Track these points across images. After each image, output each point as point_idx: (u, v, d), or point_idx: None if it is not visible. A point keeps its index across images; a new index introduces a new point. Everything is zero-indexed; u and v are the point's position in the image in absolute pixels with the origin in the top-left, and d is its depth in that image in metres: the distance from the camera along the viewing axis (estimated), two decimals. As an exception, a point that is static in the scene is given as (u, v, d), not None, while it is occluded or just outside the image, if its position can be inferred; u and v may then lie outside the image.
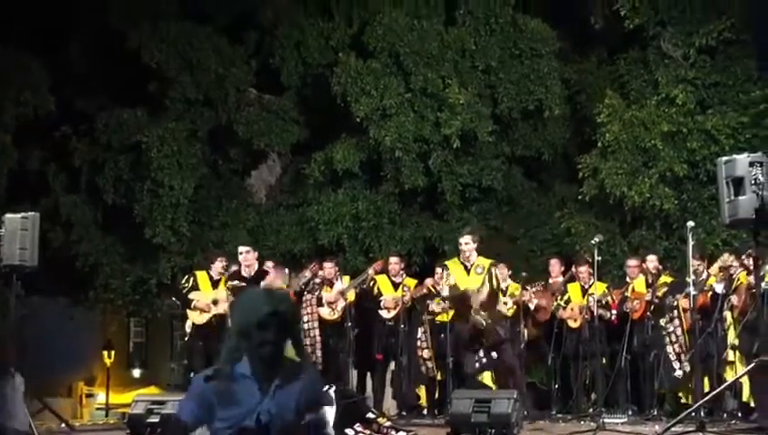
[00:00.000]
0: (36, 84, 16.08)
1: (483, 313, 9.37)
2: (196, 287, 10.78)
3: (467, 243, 9.65)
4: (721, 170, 7.60)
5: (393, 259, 11.74)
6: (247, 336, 3.45)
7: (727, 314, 9.86)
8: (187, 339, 11.10)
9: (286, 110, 17.23)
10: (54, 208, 16.45)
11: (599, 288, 10.56)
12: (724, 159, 7.76)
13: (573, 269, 11.56)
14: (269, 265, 11.46)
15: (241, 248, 11.09)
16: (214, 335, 10.23)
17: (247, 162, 17.94)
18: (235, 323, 3.56)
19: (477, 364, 9.61)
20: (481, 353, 9.58)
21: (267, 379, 3.49)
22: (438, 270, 10.99)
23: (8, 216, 9.38)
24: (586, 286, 11.12)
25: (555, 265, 12.06)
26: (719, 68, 15.49)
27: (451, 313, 9.93)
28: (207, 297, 10.63)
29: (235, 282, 10.50)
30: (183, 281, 11.11)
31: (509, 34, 16.66)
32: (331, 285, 11.22)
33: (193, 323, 10.79)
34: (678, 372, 10.20)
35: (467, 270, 9.62)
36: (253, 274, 10.66)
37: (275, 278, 10.93)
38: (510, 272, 11.87)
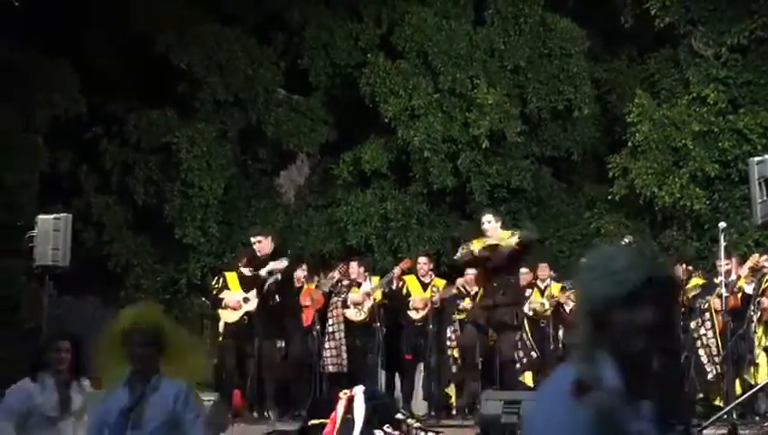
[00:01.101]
0: (67, 86, 16.21)
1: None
2: (226, 287, 10.81)
3: (489, 221, 9.58)
4: (753, 171, 7.56)
5: (422, 259, 11.73)
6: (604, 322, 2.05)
7: (757, 317, 9.77)
8: (220, 339, 11.11)
9: (315, 110, 17.26)
10: (86, 209, 16.58)
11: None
12: (757, 159, 7.72)
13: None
14: (303, 268, 11.51)
15: (253, 238, 10.85)
16: (245, 334, 10.28)
17: (276, 162, 17.98)
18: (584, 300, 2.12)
19: (518, 365, 9.58)
20: (521, 354, 9.55)
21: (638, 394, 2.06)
22: (469, 271, 10.97)
23: (41, 217, 9.52)
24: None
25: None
26: (751, 67, 15.35)
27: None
28: (237, 295, 10.65)
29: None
30: (213, 282, 11.15)
31: (538, 34, 16.60)
32: (359, 286, 11.24)
33: (225, 323, 10.82)
34: (711, 375, 10.12)
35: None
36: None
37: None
38: (548, 269, 11.90)
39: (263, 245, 10.32)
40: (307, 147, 17.34)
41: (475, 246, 9.48)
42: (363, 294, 11.11)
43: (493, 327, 9.49)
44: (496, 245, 9.32)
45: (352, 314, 11.12)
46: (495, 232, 9.55)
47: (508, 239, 9.34)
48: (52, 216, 9.49)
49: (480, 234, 9.65)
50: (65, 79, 16.30)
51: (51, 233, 9.25)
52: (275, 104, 17.11)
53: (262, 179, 17.81)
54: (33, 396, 5.62)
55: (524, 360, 10.23)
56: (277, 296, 9.94)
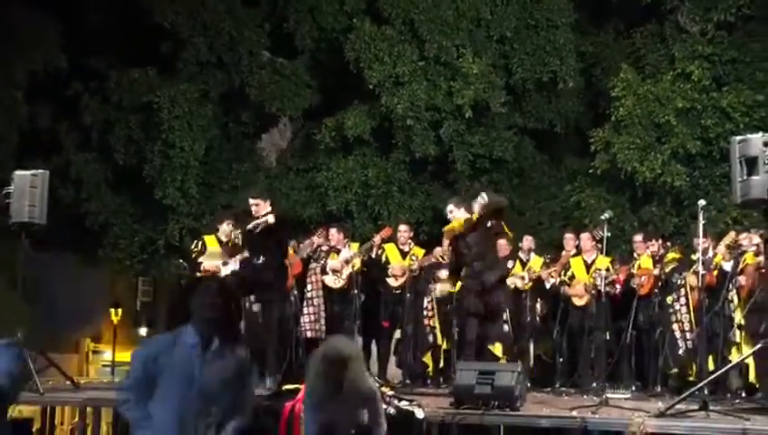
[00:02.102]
0: (48, 41, 16.02)
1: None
2: (205, 251, 10.78)
3: (451, 211, 9.59)
4: (735, 149, 7.55)
5: (402, 227, 11.72)
6: None
7: (734, 294, 9.83)
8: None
9: (299, 74, 17.14)
10: (65, 166, 16.47)
11: (602, 262, 10.51)
12: (738, 138, 7.71)
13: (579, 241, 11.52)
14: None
15: (251, 200, 10.68)
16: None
17: (258, 126, 17.89)
18: None
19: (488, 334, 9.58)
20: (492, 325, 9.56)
21: None
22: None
23: (18, 173, 9.41)
24: (588, 260, 11.08)
25: (570, 240, 11.93)
26: (736, 44, 15.35)
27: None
28: (216, 259, 10.61)
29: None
30: (192, 246, 11.09)
31: (525, 4, 16.53)
32: (338, 252, 11.21)
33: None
34: (682, 350, 10.20)
35: None
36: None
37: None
38: (531, 241, 11.94)
39: (260, 208, 10.09)
40: (290, 111, 17.22)
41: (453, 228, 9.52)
42: (342, 260, 11.08)
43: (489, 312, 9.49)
44: (471, 221, 9.33)
45: (331, 280, 11.10)
46: (463, 215, 9.56)
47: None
48: (29, 172, 9.36)
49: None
50: (46, 34, 16.11)
51: (27, 189, 9.14)
52: (259, 67, 16.98)
53: (243, 142, 17.71)
54: None
55: (495, 330, 10.25)
56: (261, 257, 9.80)
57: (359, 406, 5.56)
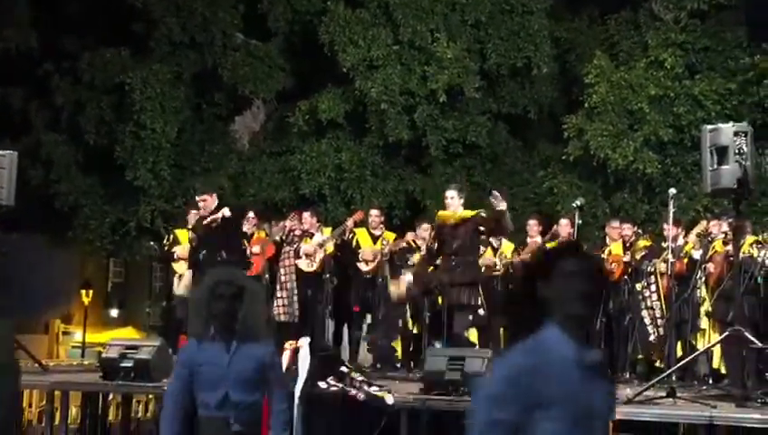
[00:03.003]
0: (18, 20, 15.82)
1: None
2: (177, 243, 10.78)
3: (453, 197, 9.60)
4: (705, 139, 7.59)
5: (373, 212, 11.69)
6: None
7: (702, 282, 9.90)
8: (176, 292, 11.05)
9: (272, 56, 17.05)
10: (35, 147, 16.30)
11: (578, 250, 10.53)
12: (709, 127, 7.75)
13: (555, 227, 11.54)
14: (250, 215, 11.41)
15: (198, 198, 10.39)
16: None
17: (231, 108, 17.79)
18: None
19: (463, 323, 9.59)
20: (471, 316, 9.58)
21: None
22: (425, 225, 11.00)
23: (-14, 153, 9.30)
24: (564, 247, 11.11)
25: (534, 226, 11.99)
26: (709, 33, 15.43)
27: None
28: (187, 247, 10.60)
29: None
30: (164, 241, 11.12)
31: (500, -11, 16.51)
32: (311, 236, 11.18)
33: (178, 275, 10.80)
34: (653, 337, 10.27)
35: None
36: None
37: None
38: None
39: (207, 203, 10.06)
40: (263, 93, 17.14)
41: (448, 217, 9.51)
42: (315, 244, 11.05)
43: (450, 305, 9.49)
44: (467, 218, 9.33)
45: (304, 264, 11.07)
46: (458, 209, 9.56)
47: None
48: (-3, 152, 9.27)
49: (435, 192, 9.65)
50: (18, 13, 15.90)
51: (-5, 170, 9.05)
52: (232, 48, 16.86)
53: (216, 124, 17.59)
54: None
55: (470, 317, 10.26)
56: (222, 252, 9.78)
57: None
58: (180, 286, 10.72)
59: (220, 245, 9.56)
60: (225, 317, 4.43)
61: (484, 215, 9.30)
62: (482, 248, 11.11)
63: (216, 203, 9.89)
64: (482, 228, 9.41)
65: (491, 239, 11.54)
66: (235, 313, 4.41)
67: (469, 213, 9.40)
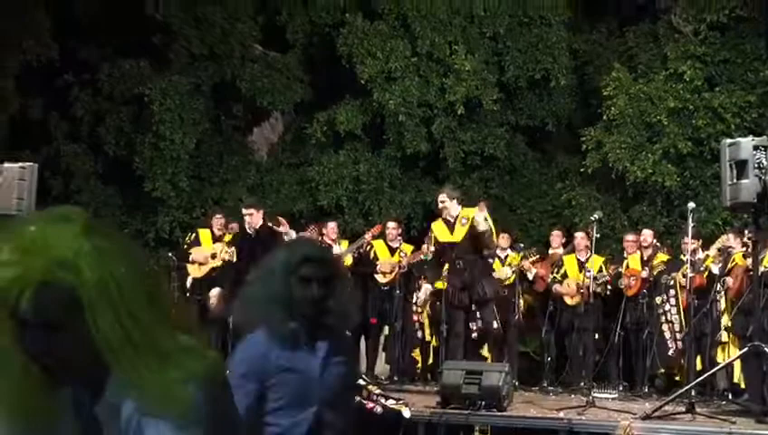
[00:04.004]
0: (39, 31, 15.94)
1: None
2: (197, 243, 10.78)
3: (443, 200, 9.67)
4: (724, 153, 7.55)
5: (390, 224, 11.71)
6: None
7: (722, 295, 9.84)
8: (187, 295, 11.07)
9: (291, 68, 17.10)
10: (55, 157, 16.41)
11: (595, 263, 10.52)
12: (728, 141, 7.71)
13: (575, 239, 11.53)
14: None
15: (244, 210, 10.42)
16: (210, 290, 10.25)
17: (250, 119, 17.84)
18: None
19: (475, 334, 9.59)
20: (480, 324, 9.56)
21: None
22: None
23: (6, 165, 9.35)
24: (582, 259, 11.10)
25: (556, 238, 12.02)
26: (729, 45, 15.34)
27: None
28: (206, 251, 10.61)
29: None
30: (186, 237, 11.11)
31: (518, 1, 16.48)
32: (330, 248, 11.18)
33: (193, 279, 10.81)
34: (672, 351, 10.22)
35: (451, 225, 9.63)
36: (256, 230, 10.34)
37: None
38: (510, 242, 11.91)
39: (253, 217, 9.94)
40: (281, 105, 17.17)
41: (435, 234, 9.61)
42: (334, 256, 11.05)
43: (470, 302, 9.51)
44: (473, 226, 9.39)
45: (323, 276, 11.06)
46: (453, 208, 9.60)
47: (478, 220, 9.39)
48: (17, 164, 9.31)
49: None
50: (38, 24, 16.02)
51: (16, 182, 9.08)
52: (251, 60, 16.92)
53: (234, 135, 17.65)
54: None
55: (481, 326, 10.26)
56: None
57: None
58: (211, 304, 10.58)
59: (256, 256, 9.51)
60: (314, 309, 3.19)
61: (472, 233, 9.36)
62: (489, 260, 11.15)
63: (261, 221, 9.87)
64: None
65: (497, 252, 11.56)
66: (328, 303, 3.20)
67: (462, 230, 9.44)
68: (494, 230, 9.74)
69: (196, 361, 1.61)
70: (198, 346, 1.67)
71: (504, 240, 11.90)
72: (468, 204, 9.93)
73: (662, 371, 10.61)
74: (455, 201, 9.68)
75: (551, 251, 11.98)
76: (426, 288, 11.00)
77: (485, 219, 9.41)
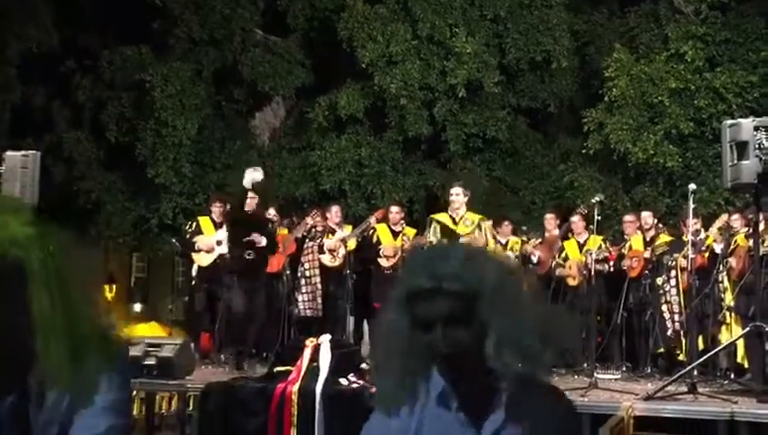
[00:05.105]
0: (39, 19, 15.94)
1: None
2: (199, 231, 10.79)
3: (458, 194, 9.67)
4: (725, 134, 7.54)
5: (393, 208, 11.72)
6: None
7: (724, 276, 9.86)
8: (193, 283, 11.10)
9: (292, 52, 17.10)
10: (58, 144, 16.45)
11: (594, 242, 10.54)
12: (729, 122, 7.70)
13: (568, 222, 11.56)
14: (271, 211, 11.41)
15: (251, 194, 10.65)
16: (217, 277, 10.27)
17: (251, 104, 17.85)
18: None
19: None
20: None
21: None
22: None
23: (8, 153, 9.35)
24: (581, 241, 11.12)
25: (551, 220, 12.03)
26: (730, 25, 15.32)
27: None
28: (211, 239, 10.63)
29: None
30: (186, 226, 11.11)
31: (519, -17, 16.47)
32: (333, 232, 11.22)
33: (198, 267, 10.83)
34: (671, 331, 10.25)
35: (455, 223, 9.66)
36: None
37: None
38: (512, 229, 11.95)
39: (253, 202, 9.89)
40: (283, 89, 17.19)
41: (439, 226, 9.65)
42: (338, 240, 11.10)
43: None
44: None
45: (327, 259, 11.11)
46: (462, 207, 9.63)
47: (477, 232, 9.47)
48: (20, 153, 9.30)
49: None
50: (39, 12, 16.02)
51: (18, 171, 9.08)
52: (252, 45, 16.92)
53: (236, 121, 17.67)
54: None
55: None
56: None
57: None
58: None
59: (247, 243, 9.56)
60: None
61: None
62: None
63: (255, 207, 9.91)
64: None
65: (498, 238, 11.60)
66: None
67: (466, 229, 9.50)
68: (490, 242, 9.84)
69: (113, 349, 1.84)
70: (119, 336, 1.91)
71: (506, 227, 11.94)
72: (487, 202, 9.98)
73: (662, 350, 10.63)
74: (466, 199, 9.71)
75: (546, 234, 12.00)
76: None
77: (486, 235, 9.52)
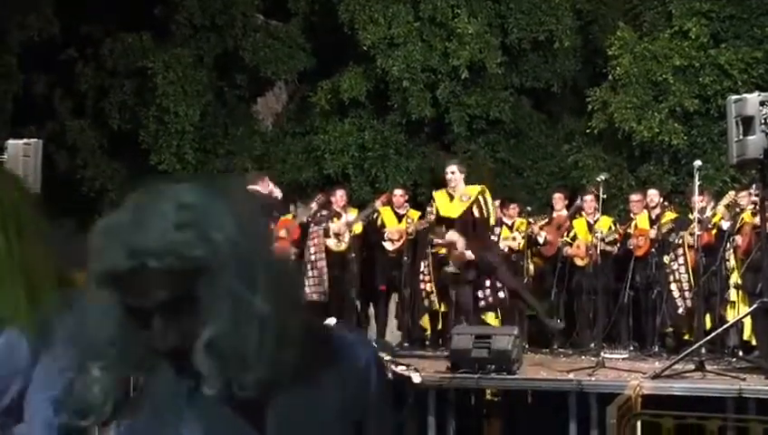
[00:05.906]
0: (40, 7, 15.89)
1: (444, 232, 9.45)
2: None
3: (453, 172, 9.67)
4: (731, 109, 7.50)
5: (397, 191, 11.73)
6: None
7: (731, 253, 9.83)
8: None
9: (293, 37, 17.01)
10: (60, 132, 16.41)
11: (604, 224, 10.52)
12: (734, 97, 7.66)
13: (579, 201, 11.53)
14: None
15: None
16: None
17: (253, 89, 17.76)
18: None
19: (483, 302, 9.63)
20: (488, 293, 9.60)
21: None
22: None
23: (11, 142, 9.34)
24: (591, 221, 11.10)
25: (559, 200, 12.03)
26: (735, 1, 15.17)
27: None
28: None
29: None
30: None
31: (520, -38, 16.34)
32: (339, 216, 11.20)
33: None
34: (681, 309, 10.23)
35: (452, 199, 9.65)
36: None
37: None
38: (519, 211, 11.92)
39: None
40: (285, 74, 17.11)
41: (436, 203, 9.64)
42: (344, 224, 11.08)
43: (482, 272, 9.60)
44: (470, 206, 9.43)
45: (332, 244, 11.10)
46: (459, 184, 9.60)
47: (458, 216, 9.44)
48: (22, 141, 9.29)
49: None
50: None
51: (21, 159, 9.06)
52: (253, 30, 16.83)
53: (239, 106, 17.59)
54: None
55: (490, 299, 10.30)
56: None
57: None
58: None
59: None
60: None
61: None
62: (497, 229, 11.17)
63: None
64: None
65: (503, 219, 11.57)
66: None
67: (462, 206, 9.47)
68: (492, 213, 9.81)
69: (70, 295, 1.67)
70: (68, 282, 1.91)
71: (513, 209, 11.92)
72: (473, 176, 9.92)
73: (671, 329, 10.62)
74: (462, 176, 9.68)
75: (554, 214, 11.97)
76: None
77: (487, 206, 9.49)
